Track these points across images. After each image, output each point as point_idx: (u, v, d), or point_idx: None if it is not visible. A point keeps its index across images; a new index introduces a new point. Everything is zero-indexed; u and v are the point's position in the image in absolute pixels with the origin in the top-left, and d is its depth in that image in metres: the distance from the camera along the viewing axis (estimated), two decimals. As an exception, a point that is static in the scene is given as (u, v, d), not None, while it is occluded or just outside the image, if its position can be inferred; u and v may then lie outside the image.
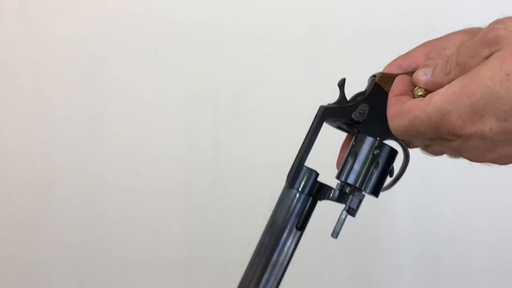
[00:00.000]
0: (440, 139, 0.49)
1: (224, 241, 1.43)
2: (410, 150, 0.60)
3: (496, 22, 0.47)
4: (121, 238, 1.47)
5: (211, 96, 1.39)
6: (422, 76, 0.52)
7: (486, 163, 0.49)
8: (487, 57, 0.46)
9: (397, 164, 0.59)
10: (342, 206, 0.57)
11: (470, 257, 1.40)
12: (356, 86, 0.62)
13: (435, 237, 1.38)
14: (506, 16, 0.48)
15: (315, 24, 1.35)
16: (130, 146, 1.43)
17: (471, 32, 0.56)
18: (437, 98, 0.47)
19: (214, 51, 1.38)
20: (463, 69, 0.48)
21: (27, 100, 1.43)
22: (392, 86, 0.54)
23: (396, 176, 0.58)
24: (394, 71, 0.59)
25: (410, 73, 0.56)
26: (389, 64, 0.60)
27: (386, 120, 0.55)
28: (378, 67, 0.63)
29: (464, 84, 0.45)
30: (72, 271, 1.49)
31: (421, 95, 0.52)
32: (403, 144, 0.59)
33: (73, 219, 1.46)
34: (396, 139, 0.57)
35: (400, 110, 0.51)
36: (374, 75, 0.59)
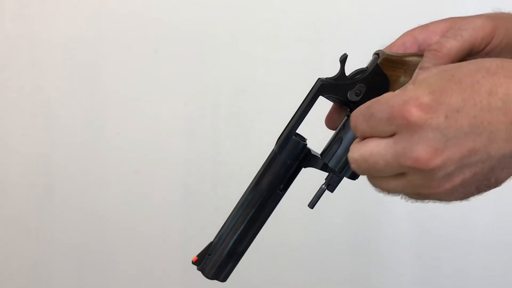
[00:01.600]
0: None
1: (224, 241, 1.43)
2: None
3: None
4: (121, 238, 1.47)
5: (211, 96, 1.39)
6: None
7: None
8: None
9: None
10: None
11: (470, 258, 1.39)
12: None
13: (435, 238, 1.38)
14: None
15: (315, 24, 1.35)
16: (130, 146, 1.43)
17: (495, 19, 0.54)
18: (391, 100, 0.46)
19: (214, 51, 1.38)
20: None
21: (27, 100, 1.43)
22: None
23: None
24: (408, 42, 0.57)
25: (420, 55, 0.54)
26: (405, 33, 0.59)
27: None
28: (384, 45, 0.61)
29: (419, 80, 0.45)
30: (72, 271, 1.49)
31: None
32: None
33: (73, 219, 1.46)
34: None
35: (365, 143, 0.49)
36: (378, 54, 0.58)
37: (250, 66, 1.38)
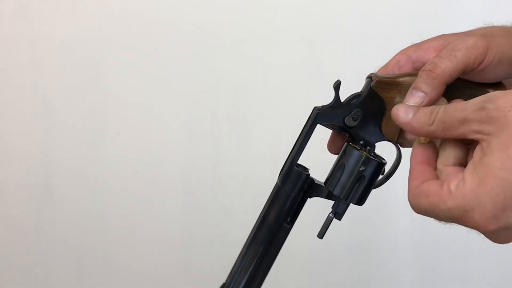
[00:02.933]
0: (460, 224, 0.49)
1: (224, 241, 1.43)
2: (406, 149, 0.59)
3: (486, 100, 0.47)
4: (121, 238, 1.47)
5: (211, 96, 1.39)
6: (402, 114, 0.52)
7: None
8: (476, 132, 0.46)
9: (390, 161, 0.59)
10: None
11: (470, 258, 1.40)
12: (356, 86, 0.62)
13: (435, 238, 1.38)
14: (493, 92, 0.47)
15: (315, 24, 1.35)
16: (130, 146, 1.43)
17: (488, 37, 0.55)
18: (456, 193, 0.47)
19: (214, 51, 1.38)
20: (446, 129, 0.49)
21: (27, 100, 1.43)
22: (414, 151, 0.54)
23: (386, 175, 0.58)
24: (402, 61, 0.58)
25: (413, 75, 0.55)
26: (399, 52, 0.59)
27: (379, 124, 0.56)
28: (379, 67, 0.62)
29: (480, 179, 0.45)
30: (72, 271, 1.49)
31: (423, 143, 0.52)
32: (398, 147, 0.58)
33: (73, 219, 1.46)
34: (389, 140, 0.57)
35: (420, 190, 0.50)
36: (371, 77, 0.58)
37: (250, 66, 1.38)
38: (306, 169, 0.60)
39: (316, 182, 0.59)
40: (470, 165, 0.47)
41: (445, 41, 0.56)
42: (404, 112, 0.52)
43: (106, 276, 1.48)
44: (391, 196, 1.15)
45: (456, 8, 1.29)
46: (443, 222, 0.50)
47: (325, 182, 0.58)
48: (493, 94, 0.47)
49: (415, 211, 0.51)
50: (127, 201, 1.45)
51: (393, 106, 0.55)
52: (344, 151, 0.57)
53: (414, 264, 1.41)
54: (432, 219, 0.51)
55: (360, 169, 0.55)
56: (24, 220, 1.47)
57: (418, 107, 0.52)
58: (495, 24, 0.59)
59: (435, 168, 0.51)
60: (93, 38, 1.40)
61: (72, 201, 1.46)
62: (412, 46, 0.59)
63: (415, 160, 0.52)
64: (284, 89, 1.37)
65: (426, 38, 0.59)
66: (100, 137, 1.43)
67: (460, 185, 0.47)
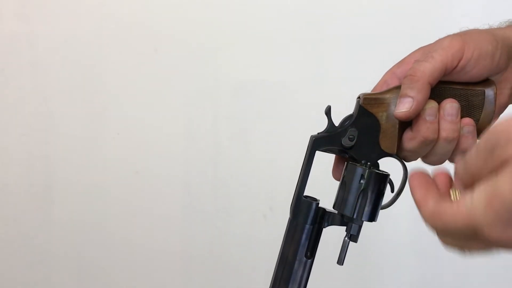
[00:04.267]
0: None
1: (224, 240, 1.43)
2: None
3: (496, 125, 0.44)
4: (121, 238, 1.47)
5: (211, 95, 1.39)
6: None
7: None
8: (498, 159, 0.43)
9: (398, 178, 0.59)
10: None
11: (470, 258, 1.39)
12: (356, 86, 0.62)
13: (435, 238, 1.38)
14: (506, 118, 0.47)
15: (315, 24, 1.35)
16: (130, 146, 1.43)
17: (462, 35, 0.56)
18: (464, 211, 0.46)
19: (214, 51, 1.38)
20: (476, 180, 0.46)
21: (27, 100, 1.43)
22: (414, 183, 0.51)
23: (396, 192, 0.59)
24: (389, 79, 0.59)
25: (399, 87, 0.57)
26: (386, 73, 0.60)
27: (377, 140, 0.57)
28: (378, 67, 0.62)
29: (488, 200, 0.45)
30: (72, 271, 1.49)
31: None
32: (401, 160, 0.59)
33: (73, 219, 1.46)
34: (390, 155, 0.58)
35: (432, 210, 0.50)
36: (359, 97, 0.59)
37: (250, 66, 1.38)
38: (315, 199, 0.60)
39: (328, 210, 0.59)
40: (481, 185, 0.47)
41: (425, 51, 0.58)
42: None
43: (106, 276, 1.48)
44: (391, 195, 1.15)
45: (456, 9, 1.29)
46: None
47: (334, 207, 0.59)
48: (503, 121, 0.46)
49: (431, 229, 0.51)
50: (127, 201, 1.45)
51: (384, 119, 0.57)
52: (345, 170, 0.58)
53: (414, 264, 1.41)
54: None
55: (361, 182, 0.56)
56: (24, 221, 1.47)
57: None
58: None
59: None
60: (93, 38, 1.40)
61: (72, 201, 1.46)
62: (396, 64, 0.60)
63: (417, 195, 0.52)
64: (284, 89, 1.37)
65: (426, 38, 0.60)
66: (100, 137, 1.43)
67: (467, 204, 0.46)
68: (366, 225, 0.59)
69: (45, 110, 1.43)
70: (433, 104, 0.56)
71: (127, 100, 1.41)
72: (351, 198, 0.56)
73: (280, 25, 1.36)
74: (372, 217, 0.57)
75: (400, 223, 1.35)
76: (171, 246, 1.46)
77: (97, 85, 1.42)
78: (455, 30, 0.59)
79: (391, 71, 0.60)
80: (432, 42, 0.58)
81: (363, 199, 0.56)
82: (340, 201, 0.57)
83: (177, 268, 1.47)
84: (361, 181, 0.56)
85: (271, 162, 1.39)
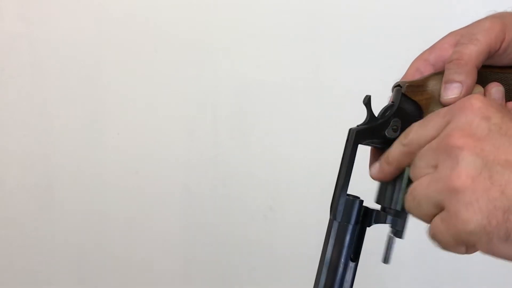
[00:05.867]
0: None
1: (224, 241, 1.43)
2: None
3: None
4: (121, 238, 1.47)
5: (211, 96, 1.39)
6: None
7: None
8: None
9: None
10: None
11: (470, 258, 1.39)
12: (357, 86, 0.62)
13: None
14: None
15: (315, 23, 1.35)
16: (130, 146, 1.43)
17: (500, 17, 0.54)
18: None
19: (214, 51, 1.38)
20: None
21: (27, 100, 1.43)
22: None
23: None
24: (421, 66, 0.57)
25: (440, 73, 0.55)
26: (415, 59, 0.58)
27: None
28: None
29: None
30: (72, 271, 1.49)
31: None
32: None
33: (73, 219, 1.46)
34: None
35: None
36: (399, 85, 0.57)
37: (250, 66, 1.38)
38: (357, 197, 0.56)
39: (370, 208, 0.56)
40: None
41: (457, 35, 0.56)
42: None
43: (106, 276, 1.48)
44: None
45: (457, 8, 1.29)
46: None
47: (376, 201, 0.56)
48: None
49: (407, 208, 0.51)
50: (127, 201, 1.45)
51: (430, 107, 0.54)
52: None
53: (414, 264, 1.41)
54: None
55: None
56: (24, 220, 1.47)
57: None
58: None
59: None
60: (93, 38, 1.40)
61: (72, 201, 1.46)
62: (426, 50, 0.58)
63: None
64: (284, 89, 1.37)
65: (426, 38, 0.59)
66: (100, 137, 1.43)
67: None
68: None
69: (45, 110, 1.43)
70: (480, 88, 0.54)
71: (127, 100, 1.41)
72: (399, 191, 0.53)
73: (280, 25, 1.36)
74: None
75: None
76: (171, 246, 1.46)
77: (97, 85, 1.42)
78: (456, 28, 0.58)
79: (422, 58, 0.57)
80: (431, 40, 0.57)
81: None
82: (387, 195, 0.54)
83: (177, 268, 1.47)
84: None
85: (271, 162, 1.39)
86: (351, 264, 0.55)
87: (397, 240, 0.57)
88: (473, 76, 0.53)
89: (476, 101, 0.45)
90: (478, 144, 0.43)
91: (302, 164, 1.36)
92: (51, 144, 1.44)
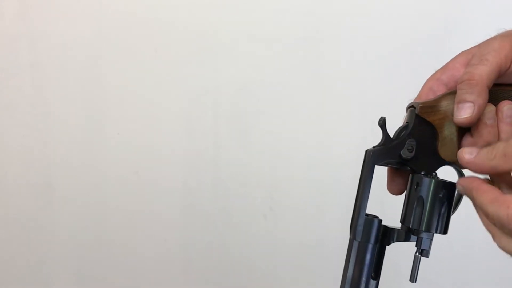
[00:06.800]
0: None
1: (224, 241, 1.43)
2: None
3: None
4: (121, 238, 1.47)
5: (211, 96, 1.39)
6: (466, 154, 0.52)
7: None
8: None
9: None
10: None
11: (470, 258, 1.40)
12: (357, 86, 0.62)
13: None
14: None
15: (315, 24, 1.35)
16: (130, 146, 1.43)
17: (509, 36, 0.55)
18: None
19: (214, 51, 1.38)
20: (509, 160, 0.49)
21: (27, 100, 1.43)
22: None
23: (455, 201, 0.57)
24: (434, 86, 0.58)
25: (452, 93, 0.56)
26: (428, 80, 0.59)
27: (435, 149, 0.56)
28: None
29: None
30: (72, 271, 1.49)
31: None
32: (459, 169, 0.58)
33: (73, 219, 1.47)
34: (449, 164, 0.57)
35: (498, 197, 0.51)
36: (413, 106, 0.58)
37: (250, 66, 1.38)
38: (376, 217, 0.58)
39: (390, 227, 0.58)
40: None
41: (469, 54, 0.57)
42: (468, 152, 0.52)
43: (106, 276, 1.48)
44: (392, 197, 1.15)
45: (457, 8, 1.29)
46: None
47: (402, 222, 0.57)
48: None
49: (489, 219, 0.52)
50: (127, 201, 1.45)
51: (443, 127, 0.55)
52: (416, 184, 0.56)
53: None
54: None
55: (440, 195, 0.54)
56: (24, 220, 1.47)
57: (480, 148, 0.52)
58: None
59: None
60: (93, 38, 1.40)
61: (72, 201, 1.46)
62: (438, 70, 0.59)
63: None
64: (284, 89, 1.37)
65: (426, 38, 0.59)
66: (100, 137, 1.43)
67: None
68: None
69: (45, 110, 1.43)
70: (492, 107, 0.55)
71: (127, 100, 1.42)
72: (431, 212, 0.55)
73: (280, 25, 1.36)
74: (446, 229, 0.56)
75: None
76: (171, 246, 1.46)
77: (97, 85, 1.42)
78: (456, 32, 0.58)
79: (434, 78, 0.59)
80: (432, 43, 0.58)
81: (442, 211, 0.55)
82: (412, 216, 0.55)
83: (177, 268, 1.47)
84: (440, 194, 0.54)
85: (271, 162, 1.39)
86: (372, 282, 0.57)
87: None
88: (484, 96, 0.54)
89: None
90: None
91: (302, 164, 1.36)
92: (51, 144, 1.44)
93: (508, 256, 0.56)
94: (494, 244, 0.51)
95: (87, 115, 1.43)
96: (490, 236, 0.50)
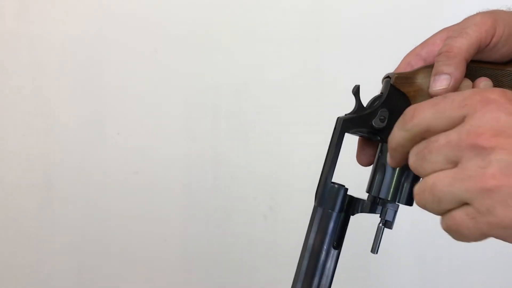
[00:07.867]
0: None
1: (224, 240, 1.43)
2: None
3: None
4: (121, 238, 1.47)
5: (211, 96, 1.39)
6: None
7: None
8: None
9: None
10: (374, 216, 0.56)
11: (470, 258, 1.39)
12: (359, 87, 0.61)
13: (435, 238, 1.38)
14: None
15: (315, 23, 1.35)
16: (130, 146, 1.43)
17: (491, 13, 0.55)
18: None
19: (214, 51, 1.38)
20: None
21: (27, 100, 1.43)
22: None
23: None
24: (412, 61, 0.57)
25: (430, 66, 0.55)
26: (407, 54, 0.58)
27: None
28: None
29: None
30: (72, 271, 1.49)
31: None
32: None
33: (73, 219, 1.46)
34: None
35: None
36: (389, 76, 0.57)
37: (250, 66, 1.38)
38: (342, 186, 0.56)
39: (355, 197, 0.57)
40: None
41: (449, 31, 0.56)
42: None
43: (106, 276, 1.48)
44: (362, 169, 1.15)
45: (457, 8, 1.29)
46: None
47: (368, 191, 0.56)
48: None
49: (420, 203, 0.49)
50: (127, 201, 1.45)
51: (417, 99, 0.54)
52: (381, 152, 0.55)
53: (414, 266, 1.41)
54: (432, 222, 0.50)
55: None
56: (24, 220, 1.47)
57: None
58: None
59: None
60: (93, 38, 1.40)
61: (72, 201, 1.46)
62: (418, 45, 0.58)
63: None
64: (284, 89, 1.37)
65: (427, 36, 0.59)
66: (100, 137, 1.43)
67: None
68: (366, 228, 0.58)
69: (45, 110, 1.43)
70: (468, 82, 0.54)
71: (127, 100, 1.41)
72: (391, 180, 0.53)
73: (280, 25, 1.36)
74: (411, 202, 0.54)
75: (400, 223, 1.35)
76: (171, 246, 1.46)
77: (97, 85, 1.42)
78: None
79: (414, 53, 0.58)
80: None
81: (404, 180, 0.53)
82: (376, 183, 0.54)
83: (177, 268, 1.47)
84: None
85: (271, 162, 1.39)
86: (334, 252, 0.56)
87: (397, 241, 0.57)
88: (462, 69, 0.52)
89: (496, 95, 0.43)
90: (510, 142, 0.42)
91: (302, 164, 1.36)
92: (51, 144, 1.44)
93: (508, 257, 0.55)
94: (494, 244, 0.50)
95: (87, 115, 1.43)
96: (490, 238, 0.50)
